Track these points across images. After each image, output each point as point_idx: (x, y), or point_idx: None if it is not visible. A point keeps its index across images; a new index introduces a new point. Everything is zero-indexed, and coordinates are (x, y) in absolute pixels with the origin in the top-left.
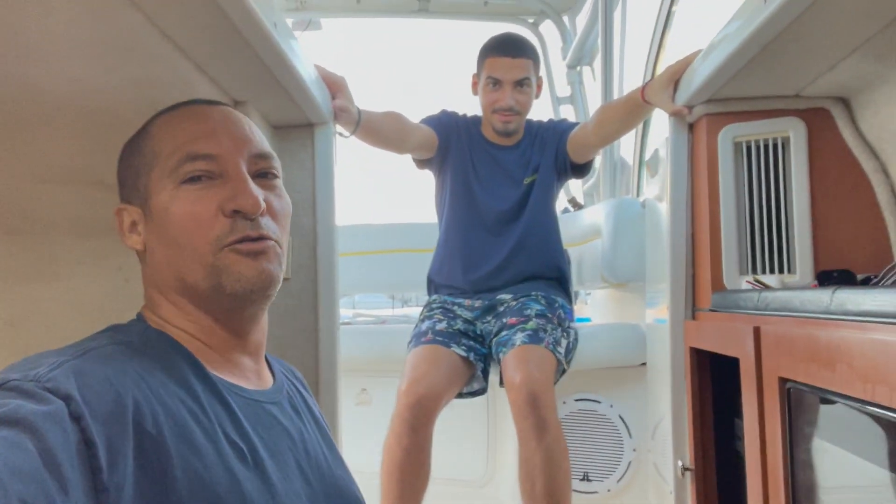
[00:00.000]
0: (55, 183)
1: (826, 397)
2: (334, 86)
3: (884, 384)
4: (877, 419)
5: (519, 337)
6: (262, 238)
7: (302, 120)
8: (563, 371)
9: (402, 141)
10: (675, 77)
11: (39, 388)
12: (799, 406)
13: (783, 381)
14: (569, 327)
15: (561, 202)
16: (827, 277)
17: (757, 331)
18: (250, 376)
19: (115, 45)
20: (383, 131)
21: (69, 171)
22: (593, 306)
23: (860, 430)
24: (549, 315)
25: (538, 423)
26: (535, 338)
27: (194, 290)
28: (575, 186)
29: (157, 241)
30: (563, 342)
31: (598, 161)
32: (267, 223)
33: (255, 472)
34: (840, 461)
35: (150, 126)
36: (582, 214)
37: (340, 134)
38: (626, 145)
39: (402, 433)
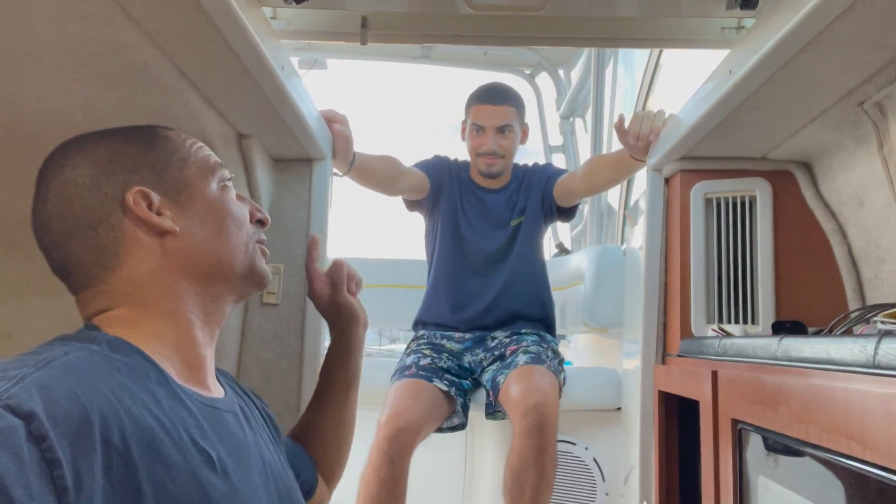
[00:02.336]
0: None
1: (769, 437)
2: (337, 120)
3: (815, 424)
4: (809, 457)
5: (522, 358)
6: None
7: (301, 154)
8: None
9: (393, 184)
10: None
11: None
12: (748, 445)
13: (735, 422)
14: (562, 360)
15: (550, 248)
16: (780, 327)
17: (714, 375)
18: (209, 385)
19: (131, 77)
20: (376, 173)
21: None
22: (575, 350)
23: (797, 467)
24: (545, 345)
25: (541, 445)
26: (537, 359)
27: (230, 271)
28: (563, 232)
29: (199, 227)
30: (561, 372)
31: (585, 209)
32: None
33: (223, 479)
34: (781, 497)
35: (159, 131)
36: (567, 259)
37: (335, 174)
38: (613, 194)
39: (379, 465)
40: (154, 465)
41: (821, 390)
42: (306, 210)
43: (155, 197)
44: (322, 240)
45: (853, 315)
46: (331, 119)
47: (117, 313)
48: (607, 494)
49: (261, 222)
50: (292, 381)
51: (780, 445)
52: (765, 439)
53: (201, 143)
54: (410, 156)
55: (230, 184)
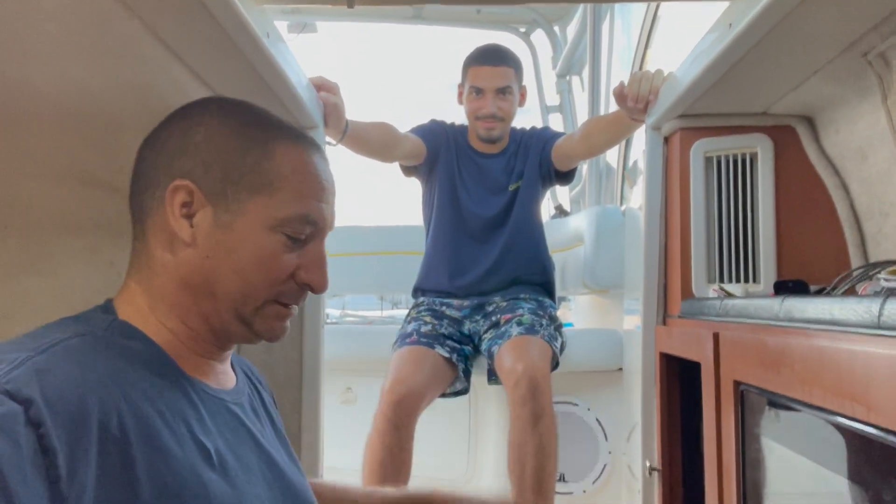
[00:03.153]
0: (48, 180)
1: (772, 399)
2: (327, 87)
3: (818, 386)
4: (812, 418)
5: (515, 329)
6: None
7: (292, 123)
8: (556, 365)
9: (389, 151)
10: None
11: None
12: (750, 407)
13: (737, 383)
14: (560, 325)
15: (549, 210)
16: (782, 287)
17: (716, 336)
18: (218, 375)
19: (112, 49)
20: (370, 141)
21: (63, 168)
22: (576, 312)
23: (800, 429)
24: (541, 313)
25: (536, 410)
26: (531, 330)
27: (221, 313)
28: (562, 193)
29: (220, 254)
30: (558, 338)
31: (584, 169)
32: None
33: (221, 474)
34: (784, 458)
35: (273, 146)
36: (567, 221)
37: (328, 143)
38: (612, 154)
39: (384, 431)
40: (151, 455)
41: (824, 352)
42: None
43: (198, 198)
44: None
45: (856, 273)
46: (320, 86)
47: (134, 299)
48: (610, 453)
49: (306, 285)
50: (294, 352)
51: (783, 407)
52: (767, 401)
53: (322, 187)
54: (406, 121)
55: (304, 236)
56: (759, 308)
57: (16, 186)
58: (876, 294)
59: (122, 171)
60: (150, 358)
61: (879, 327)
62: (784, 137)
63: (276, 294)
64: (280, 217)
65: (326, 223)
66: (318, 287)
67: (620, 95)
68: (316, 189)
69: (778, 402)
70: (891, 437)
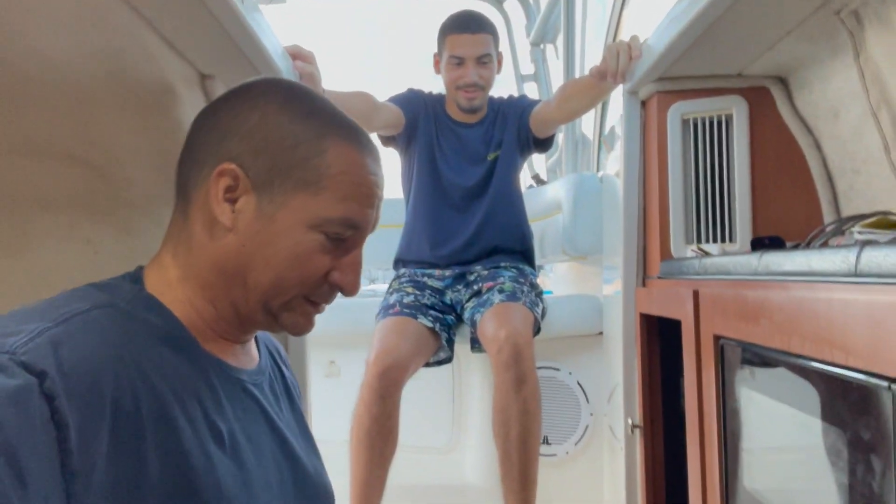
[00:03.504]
0: (22, 156)
1: (752, 350)
2: (302, 57)
3: (797, 335)
4: (791, 366)
5: (497, 297)
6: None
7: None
8: (538, 331)
9: (368, 120)
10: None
11: (12, 362)
12: (729, 360)
13: (717, 337)
14: (540, 292)
15: (526, 179)
16: (759, 244)
17: (696, 294)
18: (238, 355)
19: (81, 17)
20: (349, 110)
21: (36, 144)
22: (555, 280)
23: (780, 377)
24: (522, 280)
25: (519, 375)
26: (512, 297)
27: (250, 303)
28: (538, 163)
29: (256, 244)
30: (539, 304)
31: (560, 138)
32: None
33: (231, 457)
34: (764, 408)
35: (327, 142)
36: (544, 190)
37: None
38: (587, 122)
39: (370, 402)
40: (163, 433)
41: (803, 301)
42: None
43: (243, 184)
44: None
45: (829, 228)
46: (295, 55)
47: (168, 263)
48: (592, 415)
49: (336, 285)
50: None
51: (762, 358)
52: (747, 352)
53: (373, 195)
54: (382, 92)
55: (345, 238)
56: (738, 264)
57: (11, 164)
58: (851, 245)
59: (95, 144)
60: (171, 334)
61: (857, 275)
62: (759, 98)
63: (307, 291)
64: (323, 217)
65: (369, 227)
66: (351, 291)
67: (600, 74)
68: (364, 193)
69: (757, 353)
70: (871, 379)
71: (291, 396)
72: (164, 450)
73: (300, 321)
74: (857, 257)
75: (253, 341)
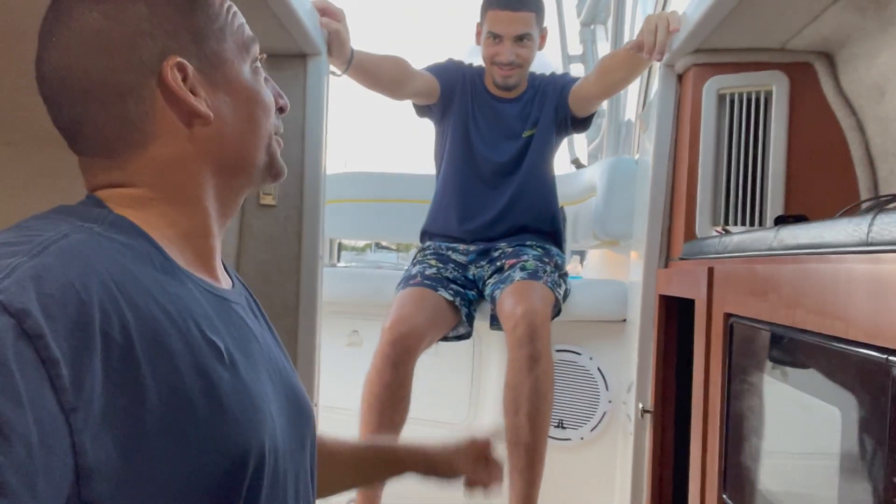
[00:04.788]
0: None
1: (759, 328)
2: (331, 13)
3: (801, 308)
4: (794, 344)
5: (518, 274)
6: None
7: (294, 49)
8: (558, 312)
9: (399, 85)
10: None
11: None
12: (738, 339)
13: (727, 316)
14: (565, 273)
15: (566, 163)
16: (783, 221)
17: (710, 272)
18: (217, 275)
19: None
20: (379, 73)
21: None
22: (588, 267)
23: (785, 355)
24: (546, 260)
25: (533, 353)
26: (534, 275)
27: (253, 164)
28: (580, 148)
29: (231, 113)
30: (562, 285)
31: (603, 122)
32: None
33: (231, 372)
34: (770, 390)
35: None
36: (581, 173)
37: (333, 73)
38: (631, 105)
39: (383, 368)
40: (158, 357)
41: (810, 273)
42: (301, 109)
43: (191, 70)
44: (318, 140)
45: (865, 205)
46: (324, 11)
47: (129, 192)
48: (610, 402)
49: (282, 109)
50: (291, 282)
51: (768, 334)
52: (753, 330)
53: (236, 9)
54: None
55: (259, 64)
56: (755, 240)
57: (17, 103)
58: (866, 213)
59: None
60: (151, 256)
61: (868, 244)
62: (801, 75)
63: (273, 127)
64: (243, 46)
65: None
66: (287, 107)
67: (637, 47)
68: (236, 10)
69: (763, 330)
70: (872, 353)
71: (266, 318)
72: (161, 374)
73: (279, 158)
74: (870, 225)
75: (223, 268)
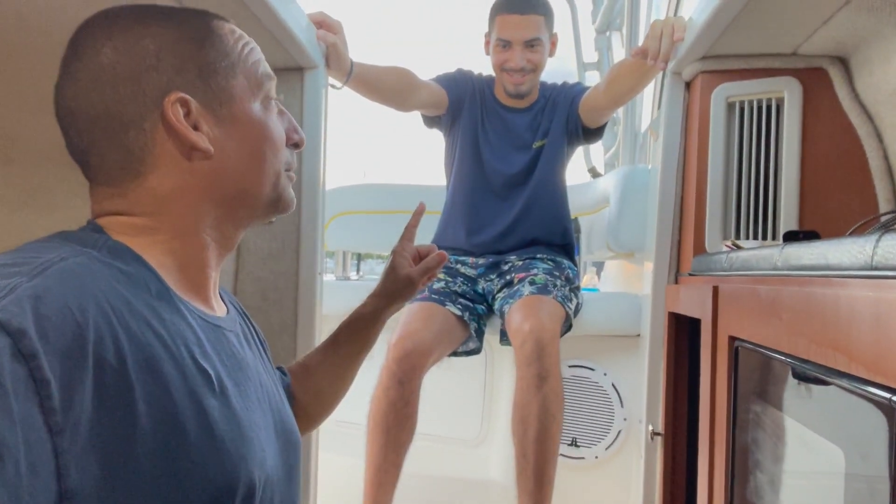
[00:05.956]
0: (48, 114)
1: (763, 354)
2: (328, 26)
3: (804, 337)
4: (800, 376)
5: (527, 289)
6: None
7: (290, 63)
8: (569, 327)
9: (404, 97)
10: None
11: None
12: (743, 365)
13: (732, 339)
14: (577, 287)
15: (583, 172)
16: (792, 237)
17: (715, 290)
18: (212, 303)
19: None
20: (381, 85)
21: None
22: (605, 278)
23: (791, 387)
24: (557, 273)
25: (541, 372)
26: (543, 290)
27: (257, 199)
28: (596, 156)
29: (235, 148)
30: (573, 299)
31: (619, 130)
32: None
33: (222, 400)
34: (774, 421)
35: (212, 26)
36: (595, 183)
37: (332, 86)
38: (647, 113)
39: (388, 385)
40: (151, 381)
41: (813, 298)
42: (298, 122)
43: (195, 106)
44: (316, 156)
45: (885, 218)
46: (320, 24)
47: (129, 220)
48: (625, 419)
49: (296, 145)
50: (288, 299)
51: (774, 364)
52: (759, 357)
53: (253, 45)
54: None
55: (274, 102)
56: (760, 258)
57: (16, 121)
58: (872, 233)
59: None
60: (147, 282)
61: (872, 268)
62: (814, 80)
63: (282, 163)
64: (255, 81)
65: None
66: (302, 142)
67: (641, 53)
68: (254, 46)
69: (769, 359)
70: (874, 391)
71: (262, 345)
72: (153, 398)
73: (292, 193)
74: (874, 248)
75: (219, 296)
